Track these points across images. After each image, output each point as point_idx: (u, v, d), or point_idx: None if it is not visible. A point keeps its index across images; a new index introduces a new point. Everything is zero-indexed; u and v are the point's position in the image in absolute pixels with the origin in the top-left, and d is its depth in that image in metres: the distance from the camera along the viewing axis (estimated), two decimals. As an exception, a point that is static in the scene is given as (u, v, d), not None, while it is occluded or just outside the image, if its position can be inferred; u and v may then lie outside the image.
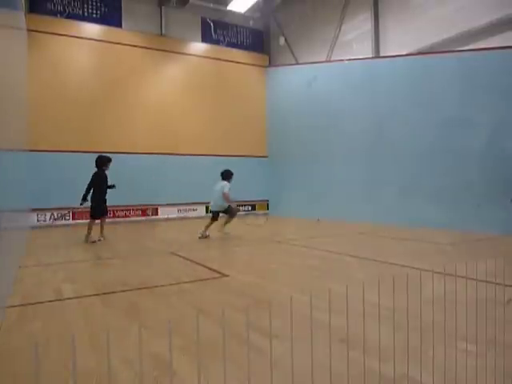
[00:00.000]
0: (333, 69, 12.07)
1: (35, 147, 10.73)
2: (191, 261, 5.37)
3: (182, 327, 2.62)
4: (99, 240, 7.37)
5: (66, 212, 11.29)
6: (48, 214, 11.15)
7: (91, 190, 7.25)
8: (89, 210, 7.42)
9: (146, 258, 5.92)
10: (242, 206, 14.24)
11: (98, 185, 7.28)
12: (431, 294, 1.80)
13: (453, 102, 8.60)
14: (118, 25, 12.61)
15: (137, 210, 12.36)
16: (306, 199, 12.59)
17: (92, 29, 12.12)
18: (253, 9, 13.80)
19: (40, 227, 10.77)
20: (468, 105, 8.29)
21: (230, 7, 13.43)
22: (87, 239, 7.28)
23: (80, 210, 11.18)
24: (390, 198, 9.82)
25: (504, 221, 7.37)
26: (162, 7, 13.25)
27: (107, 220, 8.14)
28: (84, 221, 10.76)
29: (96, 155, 7.66)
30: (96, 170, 7.42)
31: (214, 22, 14.23)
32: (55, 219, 10.89)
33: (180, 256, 5.77)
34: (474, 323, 1.85)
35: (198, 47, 13.91)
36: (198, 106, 13.61)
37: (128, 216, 12.18)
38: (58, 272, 4.75)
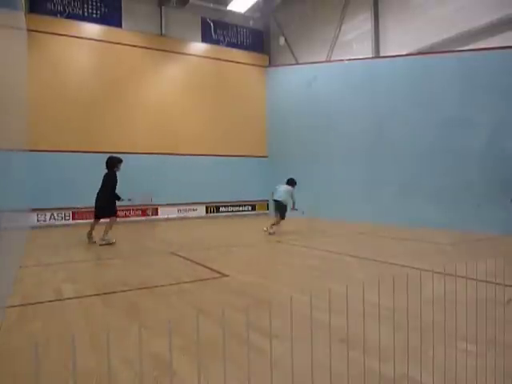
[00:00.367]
0: (333, 69, 12.07)
1: (35, 147, 10.74)
2: (191, 261, 5.38)
3: (181, 327, 2.62)
4: (100, 245, 7.03)
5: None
6: (48, 214, 11.16)
7: (103, 189, 7.17)
8: (89, 210, 7.30)
9: (146, 257, 5.93)
10: (244, 205, 14.26)
11: (107, 185, 7.25)
12: (431, 294, 1.80)
13: (453, 102, 8.59)
14: (118, 25, 12.61)
15: (137, 210, 12.36)
16: (306, 199, 12.55)
17: (92, 29, 12.12)
18: (253, 9, 13.80)
19: (40, 227, 10.77)
20: (468, 105, 8.29)
21: (230, 7, 13.43)
22: (88, 236, 7.30)
23: (82, 209, 11.21)
24: (390, 198, 9.82)
25: (504, 221, 7.37)
26: (162, 7, 13.25)
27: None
28: (84, 221, 10.79)
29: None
30: (106, 171, 7.33)
31: (213, 21, 14.23)
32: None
33: (180, 256, 5.77)
34: (474, 323, 1.85)
35: (198, 47, 13.91)
36: (198, 106, 13.60)
37: (128, 216, 12.18)
38: (58, 272, 4.76)
